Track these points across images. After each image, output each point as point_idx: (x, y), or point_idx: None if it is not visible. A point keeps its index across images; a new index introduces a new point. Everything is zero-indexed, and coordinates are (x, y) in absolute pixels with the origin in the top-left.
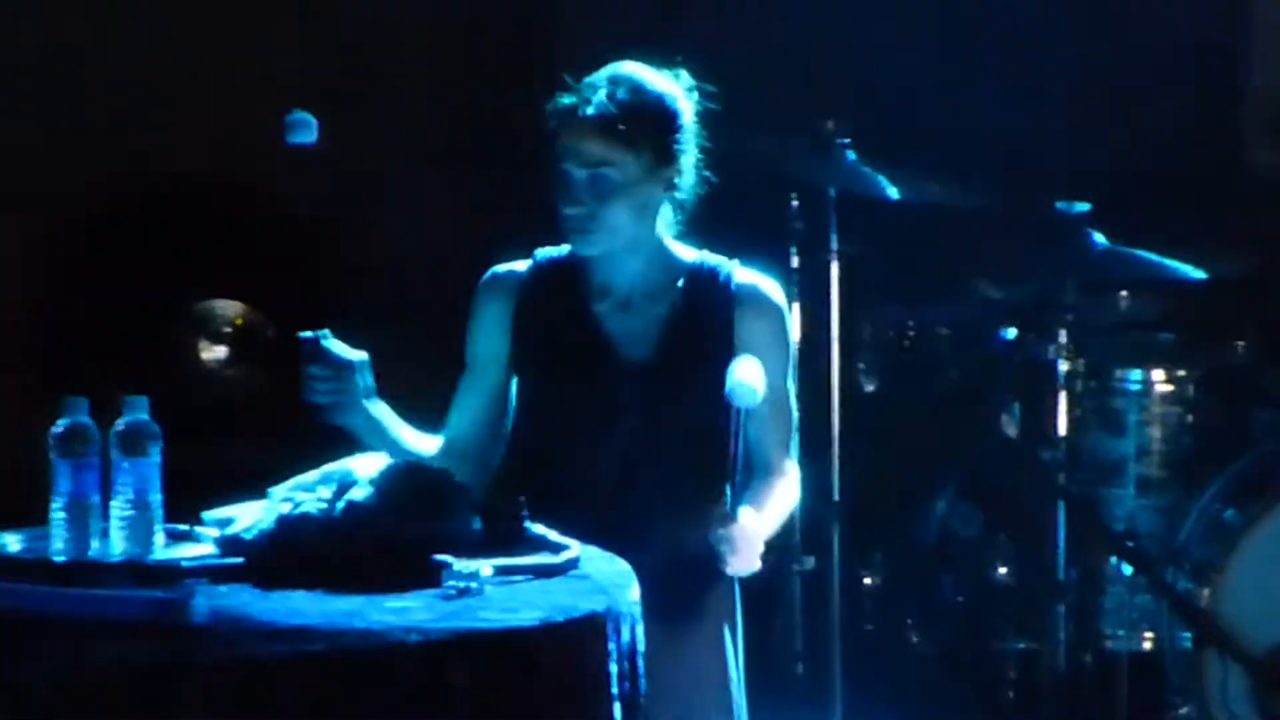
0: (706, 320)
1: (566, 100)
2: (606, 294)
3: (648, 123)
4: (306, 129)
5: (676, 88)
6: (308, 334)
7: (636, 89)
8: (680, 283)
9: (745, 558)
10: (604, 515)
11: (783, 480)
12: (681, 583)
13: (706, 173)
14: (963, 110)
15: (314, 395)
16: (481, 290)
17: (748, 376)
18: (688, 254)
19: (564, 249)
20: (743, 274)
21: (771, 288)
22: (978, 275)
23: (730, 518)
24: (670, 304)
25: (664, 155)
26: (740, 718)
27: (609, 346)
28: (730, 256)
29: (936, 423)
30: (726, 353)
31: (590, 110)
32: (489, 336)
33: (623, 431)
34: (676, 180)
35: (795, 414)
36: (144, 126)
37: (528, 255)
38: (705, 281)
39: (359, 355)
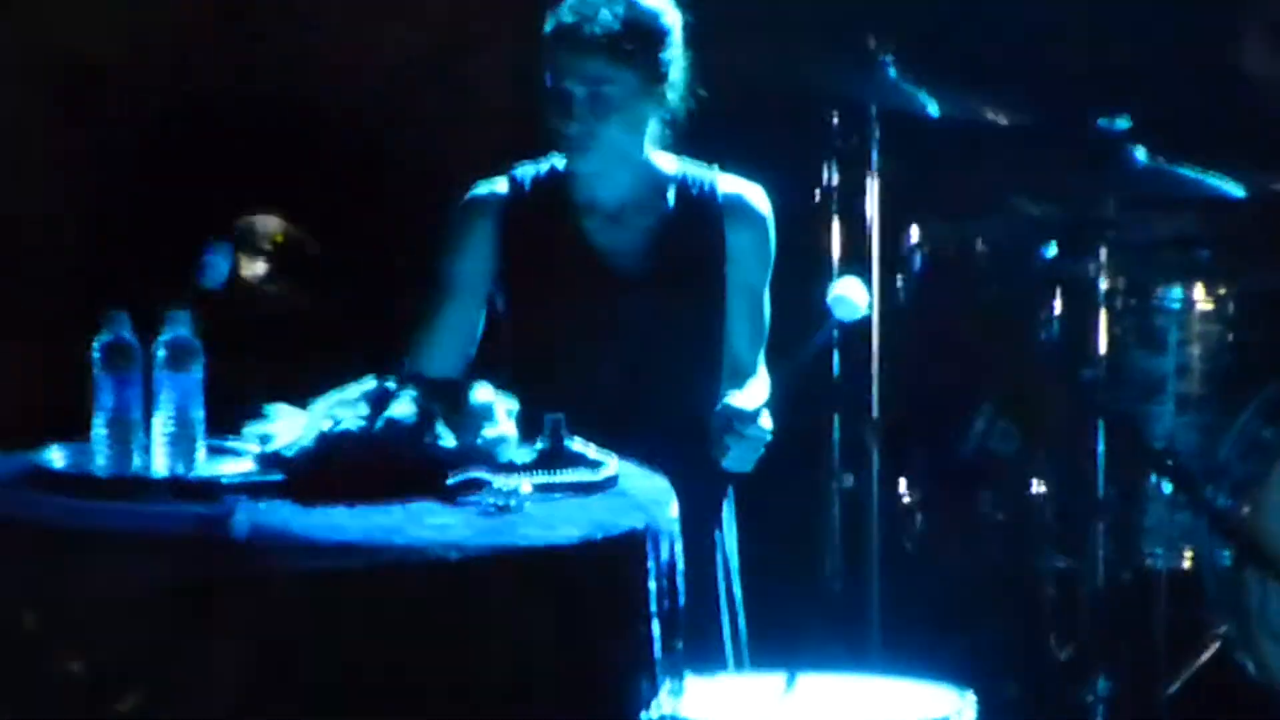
0: (695, 230)
1: (568, 18)
2: (594, 209)
3: (644, 39)
4: (216, 270)
5: (666, 3)
6: None
7: (631, 5)
8: (668, 194)
9: (751, 456)
10: (603, 427)
11: (758, 381)
12: (679, 490)
13: (694, 88)
14: (1004, 26)
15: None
16: (464, 209)
17: (851, 292)
18: (670, 165)
19: (544, 165)
20: (727, 182)
21: (757, 195)
22: (1017, 192)
23: (754, 415)
24: (659, 216)
25: (657, 71)
26: (741, 623)
27: (601, 260)
28: (769, 172)
29: (975, 340)
30: (717, 261)
31: (596, 29)
32: (474, 256)
33: (619, 344)
34: (667, 95)
35: (768, 320)
36: (190, 45)
37: (505, 173)
38: (692, 192)
39: None
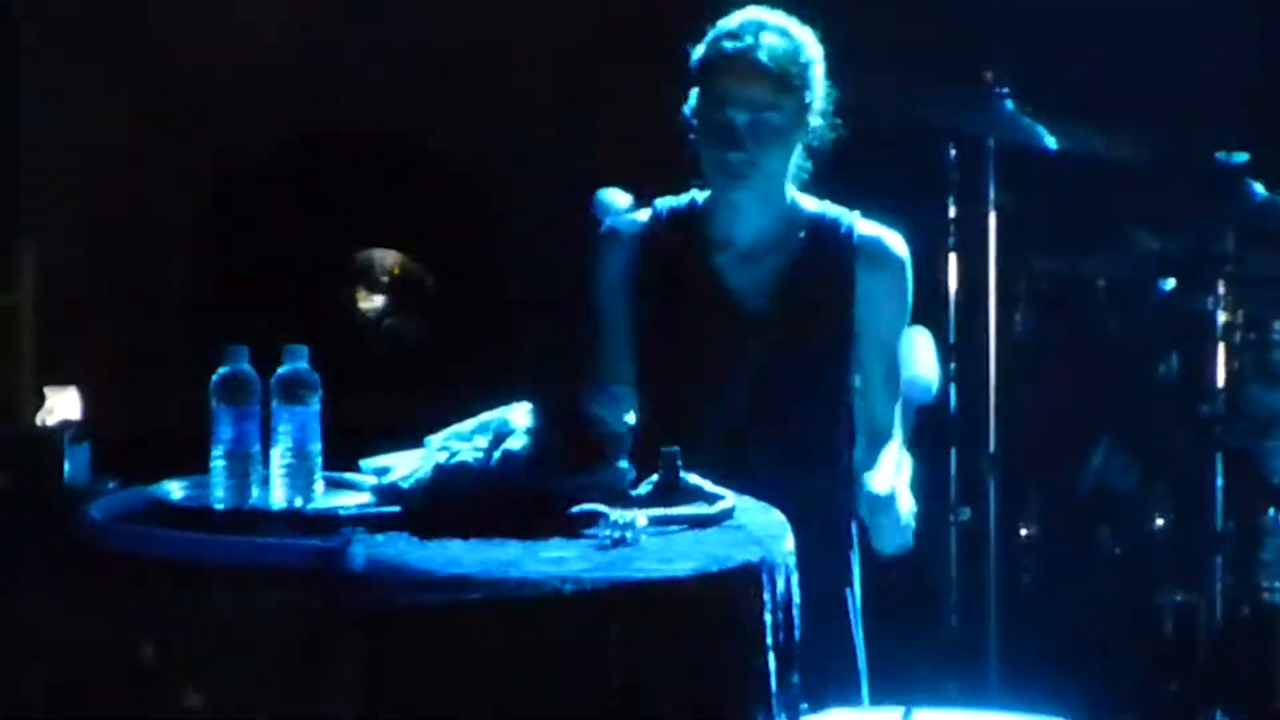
0: (826, 272)
1: (730, 45)
2: (728, 245)
3: (799, 68)
4: (613, 211)
5: (809, 34)
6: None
7: (786, 34)
8: (801, 234)
9: (901, 537)
10: (723, 466)
11: (890, 451)
12: (801, 531)
13: (835, 121)
14: (1122, 59)
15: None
16: (602, 244)
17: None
18: (810, 204)
19: (683, 200)
20: (865, 226)
21: (894, 241)
22: (1136, 226)
23: (889, 500)
24: (790, 255)
25: (808, 96)
26: (861, 662)
27: (730, 299)
28: (887, 206)
29: (1094, 374)
30: (844, 304)
31: (763, 56)
32: (613, 293)
33: (742, 383)
34: (812, 126)
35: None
36: (304, 81)
37: (647, 205)
38: (826, 233)
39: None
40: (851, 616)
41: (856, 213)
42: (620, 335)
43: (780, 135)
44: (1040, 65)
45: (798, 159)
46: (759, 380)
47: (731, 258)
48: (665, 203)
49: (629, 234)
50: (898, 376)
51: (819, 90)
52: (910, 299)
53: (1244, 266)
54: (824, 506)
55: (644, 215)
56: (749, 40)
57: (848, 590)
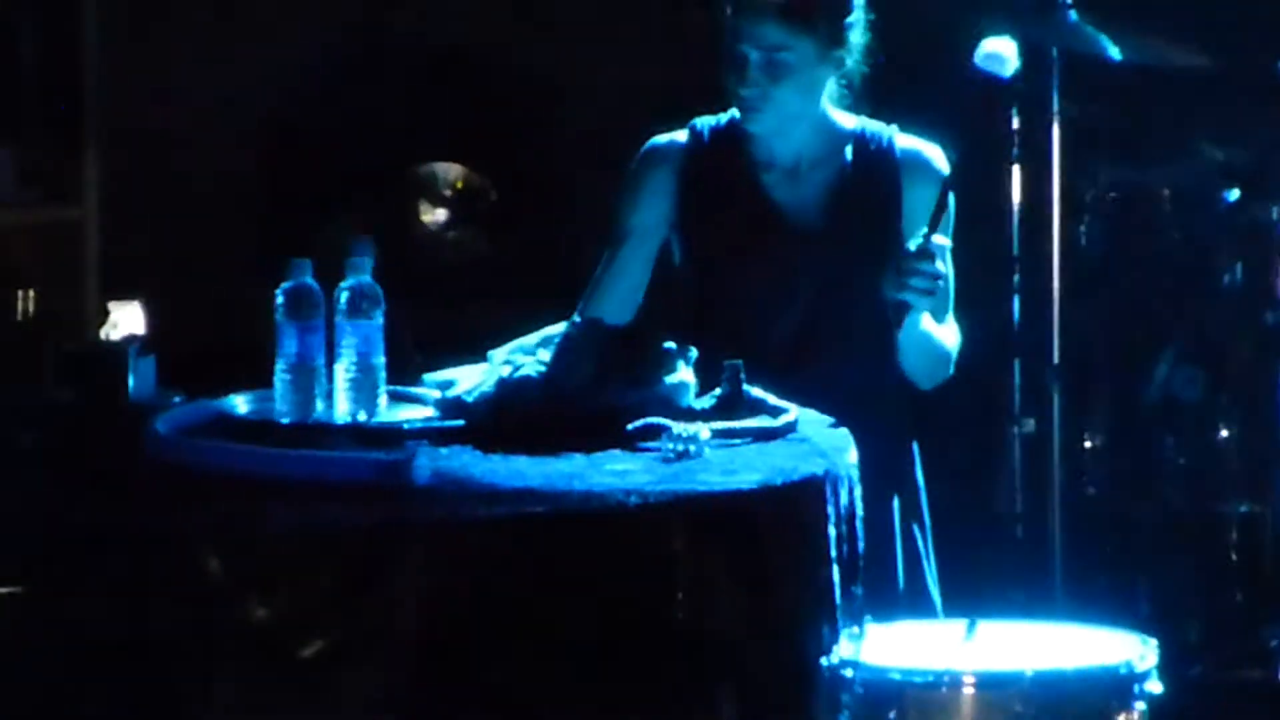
0: (873, 186)
1: None
2: (772, 164)
3: (823, 6)
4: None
5: None
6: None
7: None
8: (845, 150)
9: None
10: (780, 380)
11: (946, 327)
12: (862, 447)
13: (874, 53)
14: None
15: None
16: (643, 160)
17: (998, 47)
18: (848, 121)
19: (723, 119)
20: (904, 140)
21: (935, 153)
22: (1200, 137)
23: (936, 249)
24: (836, 171)
25: (837, 37)
26: (931, 576)
27: (780, 215)
28: (950, 118)
29: (1158, 285)
30: (893, 217)
31: None
32: (652, 207)
33: (797, 299)
34: (845, 59)
35: (953, 282)
36: None
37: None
38: (869, 149)
39: None
40: (918, 533)
41: (894, 127)
42: (646, 249)
43: (795, 72)
44: None
45: (831, 83)
46: (814, 295)
47: (778, 176)
48: (705, 122)
49: (673, 152)
50: (947, 293)
51: (857, 23)
52: (953, 210)
53: None
54: (883, 422)
55: (683, 135)
56: None
57: (915, 500)
